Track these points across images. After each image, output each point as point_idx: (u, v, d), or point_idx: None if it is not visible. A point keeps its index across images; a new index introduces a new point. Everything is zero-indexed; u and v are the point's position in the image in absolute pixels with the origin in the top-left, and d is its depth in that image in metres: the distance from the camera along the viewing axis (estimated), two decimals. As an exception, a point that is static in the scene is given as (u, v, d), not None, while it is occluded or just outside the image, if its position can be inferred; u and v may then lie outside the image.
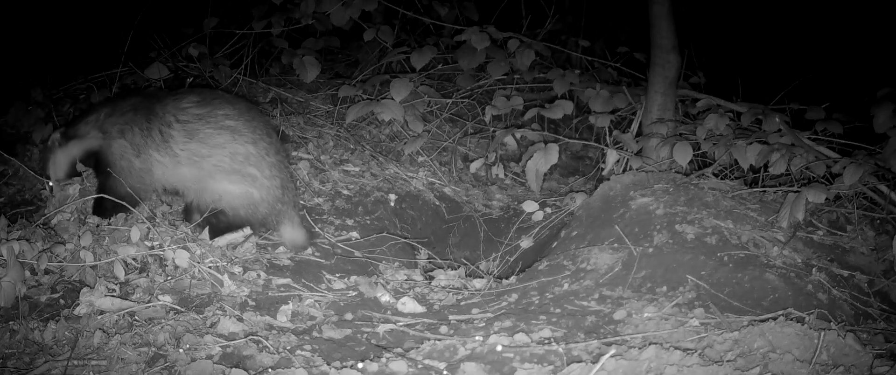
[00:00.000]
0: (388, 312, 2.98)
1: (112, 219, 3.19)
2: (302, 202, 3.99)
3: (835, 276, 2.94)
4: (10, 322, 2.57)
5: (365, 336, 2.71)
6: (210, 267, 3.00)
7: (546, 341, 2.49)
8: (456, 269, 3.59)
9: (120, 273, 2.86)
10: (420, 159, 4.73)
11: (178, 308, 2.72)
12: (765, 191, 3.47)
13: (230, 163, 3.29)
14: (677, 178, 3.56)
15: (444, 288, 3.38)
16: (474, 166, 4.31)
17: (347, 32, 5.02)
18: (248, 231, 3.38)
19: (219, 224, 3.34)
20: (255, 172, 3.33)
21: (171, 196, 3.56)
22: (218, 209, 3.34)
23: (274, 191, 3.38)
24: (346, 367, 2.37)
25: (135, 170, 3.30)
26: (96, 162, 3.37)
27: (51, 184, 3.44)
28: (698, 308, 2.63)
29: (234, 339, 2.53)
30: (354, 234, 3.75)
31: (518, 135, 4.17)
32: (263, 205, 3.37)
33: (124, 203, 3.12)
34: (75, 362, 2.35)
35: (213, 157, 3.27)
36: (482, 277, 3.58)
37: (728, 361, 2.19)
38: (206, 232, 3.29)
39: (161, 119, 3.27)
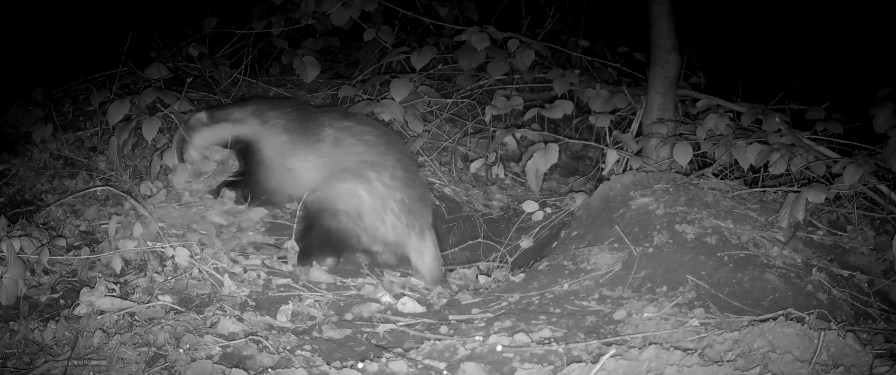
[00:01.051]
0: (389, 312, 2.98)
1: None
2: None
3: (835, 276, 2.94)
4: (10, 323, 2.57)
5: (365, 336, 2.71)
6: (210, 267, 3.00)
7: (546, 341, 2.49)
8: (469, 268, 3.63)
9: (117, 266, 2.86)
10: (420, 159, 4.73)
11: (178, 308, 2.72)
12: (765, 191, 3.47)
13: (353, 164, 3.22)
14: (677, 178, 3.56)
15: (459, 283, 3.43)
16: (474, 166, 4.31)
17: (347, 32, 5.02)
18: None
19: (311, 238, 3.13)
20: (373, 176, 3.17)
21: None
22: (316, 210, 3.15)
23: (389, 203, 3.16)
24: (346, 367, 2.37)
25: (281, 169, 3.33)
26: (244, 151, 3.40)
27: (184, 156, 3.42)
28: (698, 308, 2.63)
29: (234, 339, 2.53)
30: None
31: (518, 135, 4.17)
32: (369, 214, 3.15)
33: (264, 198, 3.26)
34: (75, 362, 2.34)
35: (342, 161, 3.25)
36: (487, 275, 3.62)
37: (728, 361, 2.19)
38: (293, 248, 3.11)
39: (317, 124, 3.35)
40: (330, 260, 3.17)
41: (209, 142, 3.42)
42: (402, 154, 3.36)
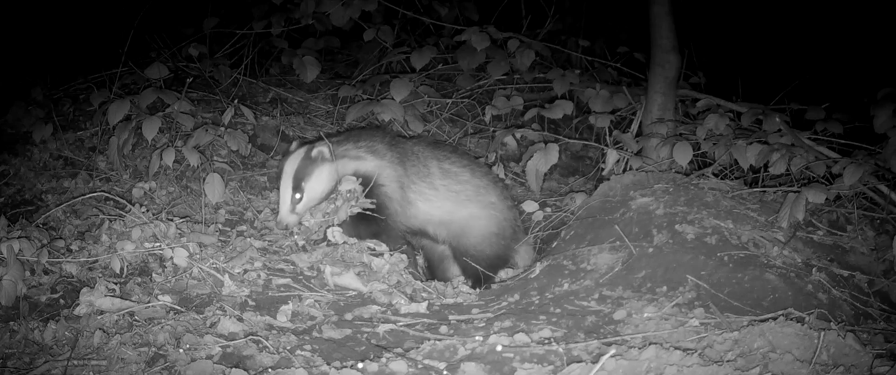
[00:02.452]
0: (388, 312, 2.98)
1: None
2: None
3: (835, 276, 2.94)
4: (10, 323, 2.57)
5: (365, 336, 2.71)
6: (210, 267, 3.00)
7: (546, 341, 2.49)
8: None
9: (116, 266, 2.86)
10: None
11: (178, 308, 2.72)
12: (765, 191, 3.47)
13: (474, 192, 3.59)
14: (677, 178, 3.56)
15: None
16: (475, 166, 4.30)
17: (347, 32, 5.03)
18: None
19: (479, 268, 3.54)
20: (494, 200, 3.64)
21: (416, 237, 3.74)
22: (467, 246, 3.59)
23: (512, 212, 3.69)
24: (346, 367, 2.37)
25: (401, 201, 3.42)
26: (366, 185, 3.40)
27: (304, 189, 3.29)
28: (698, 308, 2.63)
29: (234, 339, 2.53)
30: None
31: (518, 135, 4.17)
32: (507, 227, 3.65)
33: (389, 234, 3.36)
34: (75, 362, 2.34)
35: (462, 191, 3.56)
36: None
37: (728, 361, 2.19)
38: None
39: (423, 156, 3.52)
40: (498, 278, 3.59)
41: (333, 178, 3.34)
42: (489, 173, 3.79)
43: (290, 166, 3.28)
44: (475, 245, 3.59)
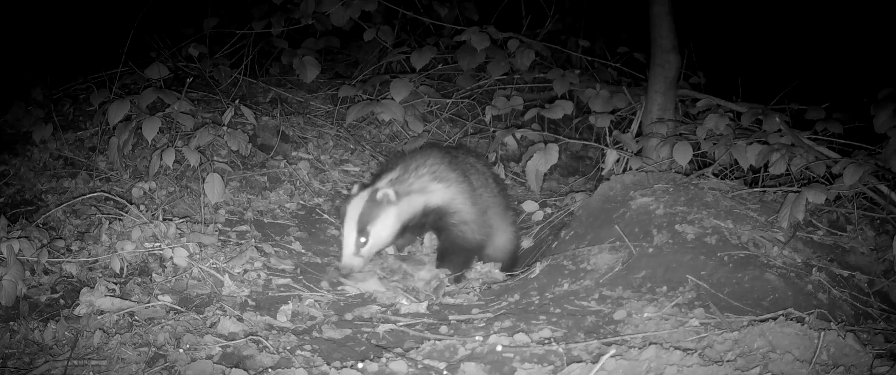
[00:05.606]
0: (388, 312, 2.98)
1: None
2: (301, 202, 3.99)
3: (835, 276, 2.94)
4: (11, 323, 2.57)
5: (365, 336, 2.71)
6: (210, 267, 3.00)
7: (546, 341, 2.49)
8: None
9: (116, 266, 2.86)
10: (420, 159, 4.73)
11: (178, 308, 2.72)
12: (765, 191, 3.46)
13: (501, 204, 3.65)
14: (677, 178, 3.56)
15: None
16: (475, 166, 4.30)
17: (347, 32, 5.03)
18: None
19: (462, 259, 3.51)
20: (509, 214, 3.74)
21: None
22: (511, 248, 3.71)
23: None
24: (346, 367, 2.37)
25: (477, 219, 3.40)
26: (437, 218, 3.36)
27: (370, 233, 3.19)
28: (698, 308, 2.63)
29: (234, 339, 2.53)
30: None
31: (518, 135, 4.17)
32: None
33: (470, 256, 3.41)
34: (75, 362, 2.34)
35: (491, 202, 3.57)
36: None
37: (728, 361, 2.19)
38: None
39: (472, 167, 3.53)
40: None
41: (402, 220, 3.25)
42: (498, 181, 3.85)
43: (355, 209, 3.17)
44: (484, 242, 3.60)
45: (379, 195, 3.17)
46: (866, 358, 2.19)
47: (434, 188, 3.32)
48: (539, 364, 2.31)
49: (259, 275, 3.09)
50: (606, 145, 3.95)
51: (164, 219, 3.22)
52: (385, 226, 3.18)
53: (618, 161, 3.93)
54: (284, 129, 4.49)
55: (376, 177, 3.45)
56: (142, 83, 4.29)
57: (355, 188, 3.33)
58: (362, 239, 3.16)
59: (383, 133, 4.96)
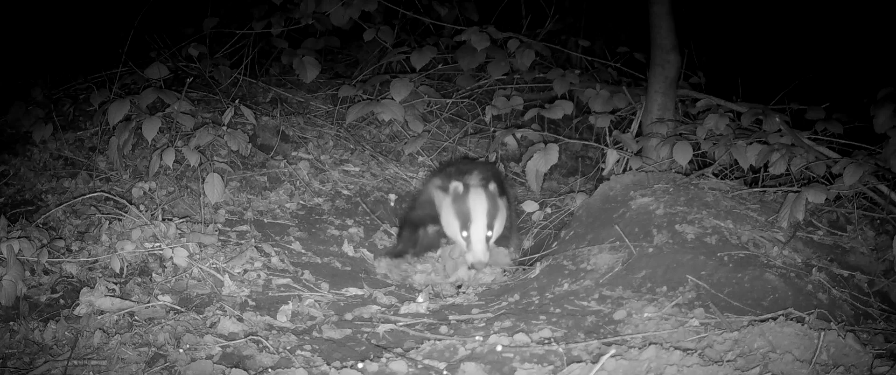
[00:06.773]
0: (389, 312, 2.98)
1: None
2: (301, 202, 3.99)
3: (835, 276, 2.94)
4: (10, 323, 2.57)
5: (365, 336, 2.71)
6: (210, 267, 3.00)
7: (546, 341, 2.49)
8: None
9: (116, 266, 2.86)
10: (420, 159, 4.73)
11: (178, 308, 2.72)
12: (765, 191, 3.46)
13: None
14: (677, 178, 3.56)
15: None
16: (474, 166, 4.30)
17: (347, 32, 5.03)
18: None
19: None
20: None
21: None
22: None
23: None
24: (346, 367, 2.37)
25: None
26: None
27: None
28: (698, 308, 2.63)
29: (234, 339, 2.53)
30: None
31: (518, 135, 4.17)
32: None
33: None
34: (75, 362, 2.34)
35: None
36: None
37: (728, 361, 2.19)
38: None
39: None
40: None
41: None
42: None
43: (481, 204, 3.25)
44: None
45: (493, 188, 3.31)
46: (866, 358, 2.19)
47: (496, 188, 3.44)
48: (539, 364, 2.31)
49: (259, 275, 3.09)
50: (606, 145, 3.95)
51: (164, 219, 3.22)
52: (502, 219, 3.33)
53: (618, 161, 3.93)
54: (284, 129, 4.49)
55: (448, 177, 3.46)
56: (142, 83, 4.29)
57: (454, 184, 3.33)
58: (489, 233, 3.26)
59: (383, 133, 4.96)
